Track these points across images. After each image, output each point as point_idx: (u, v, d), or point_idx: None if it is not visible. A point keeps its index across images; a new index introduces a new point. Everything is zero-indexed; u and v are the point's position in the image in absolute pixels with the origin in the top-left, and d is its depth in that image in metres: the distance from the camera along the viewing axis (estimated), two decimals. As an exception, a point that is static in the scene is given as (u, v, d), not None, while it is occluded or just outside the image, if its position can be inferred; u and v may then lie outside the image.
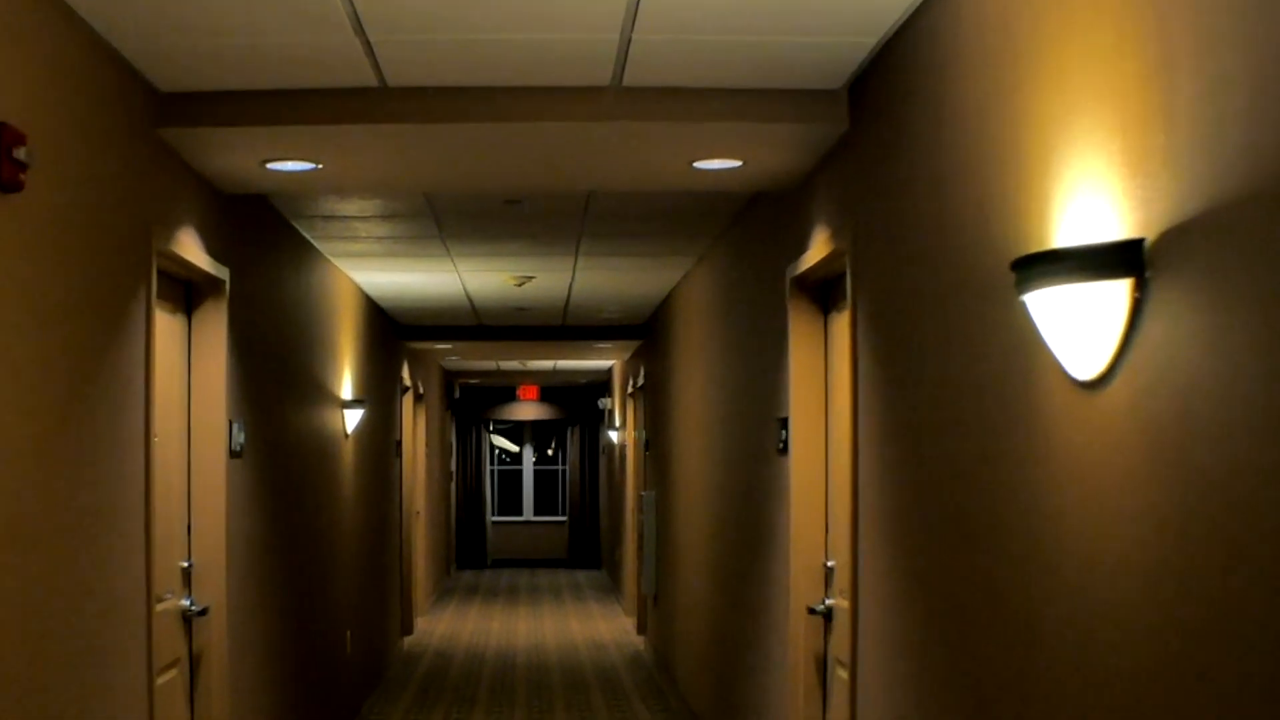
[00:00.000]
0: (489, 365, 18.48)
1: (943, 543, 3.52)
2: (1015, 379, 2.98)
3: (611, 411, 18.96)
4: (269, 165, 5.14)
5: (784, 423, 5.78)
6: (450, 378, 20.02)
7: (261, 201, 6.52)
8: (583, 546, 22.97)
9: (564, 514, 23.25)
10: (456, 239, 7.78)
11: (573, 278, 9.49)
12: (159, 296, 5.14)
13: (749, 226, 6.69)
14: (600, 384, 21.82)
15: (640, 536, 12.48)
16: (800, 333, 5.61)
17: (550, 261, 8.69)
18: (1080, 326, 2.60)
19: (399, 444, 12.97)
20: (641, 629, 13.95)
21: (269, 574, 6.65)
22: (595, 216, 7.00)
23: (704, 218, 7.06)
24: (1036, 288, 2.65)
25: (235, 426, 5.85)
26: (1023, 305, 2.91)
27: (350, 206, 6.73)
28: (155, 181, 4.74)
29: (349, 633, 9.34)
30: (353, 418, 9.19)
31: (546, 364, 18.08)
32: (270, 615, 6.68)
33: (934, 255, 3.62)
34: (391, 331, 12.30)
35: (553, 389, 22.94)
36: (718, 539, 7.79)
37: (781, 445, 5.82)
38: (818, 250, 5.13)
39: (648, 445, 12.89)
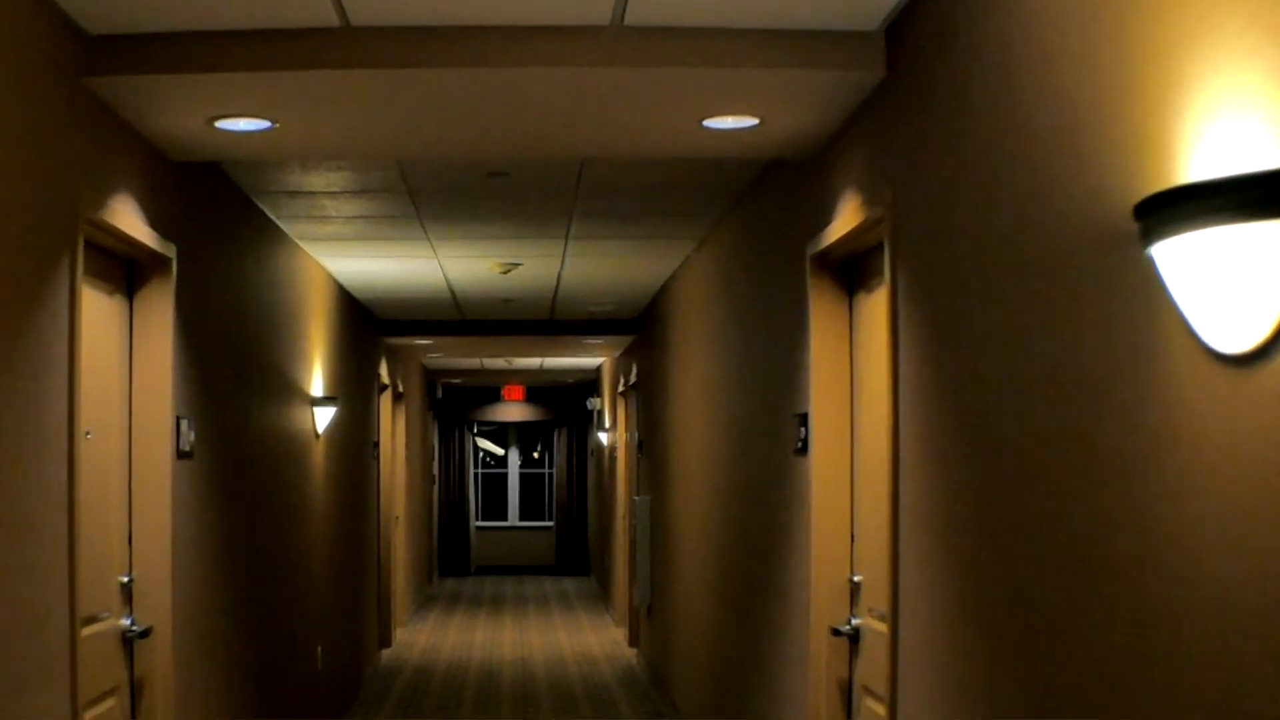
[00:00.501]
0: (473, 363, 17.92)
1: (1020, 558, 2.95)
2: (1129, 356, 2.41)
3: (601, 412, 18.48)
4: (218, 124, 4.57)
5: (803, 419, 5.22)
6: (432, 377, 19.49)
7: (216, 173, 5.94)
8: (570, 553, 22.60)
9: (551, 519, 22.91)
10: (436, 219, 7.21)
11: (562, 265, 8.92)
12: (93, 274, 4.56)
13: (761, 201, 6.13)
14: (588, 384, 21.37)
15: (632, 544, 11.92)
16: (823, 317, 5.05)
17: (538, 246, 8.12)
18: (1231, 284, 2.04)
19: (376, 445, 12.40)
20: (634, 641, 13.39)
21: (225, 588, 6.07)
22: (589, 191, 6.44)
23: (709, 193, 6.49)
24: (1170, 235, 2.09)
25: (184, 424, 5.27)
26: (1143, 263, 2.35)
27: (316, 180, 6.16)
28: (83, 139, 4.16)
29: (320, 648, 8.76)
30: (324, 416, 8.62)
31: (533, 362, 17.52)
32: (226, 634, 6.10)
33: (1004, 216, 3.06)
34: (369, 326, 11.72)
35: (539, 389, 22.51)
36: (723, 548, 7.23)
37: (800, 444, 5.26)
38: (845, 221, 4.57)
39: (641, 447, 12.33)
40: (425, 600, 18.80)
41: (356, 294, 10.49)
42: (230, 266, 6.27)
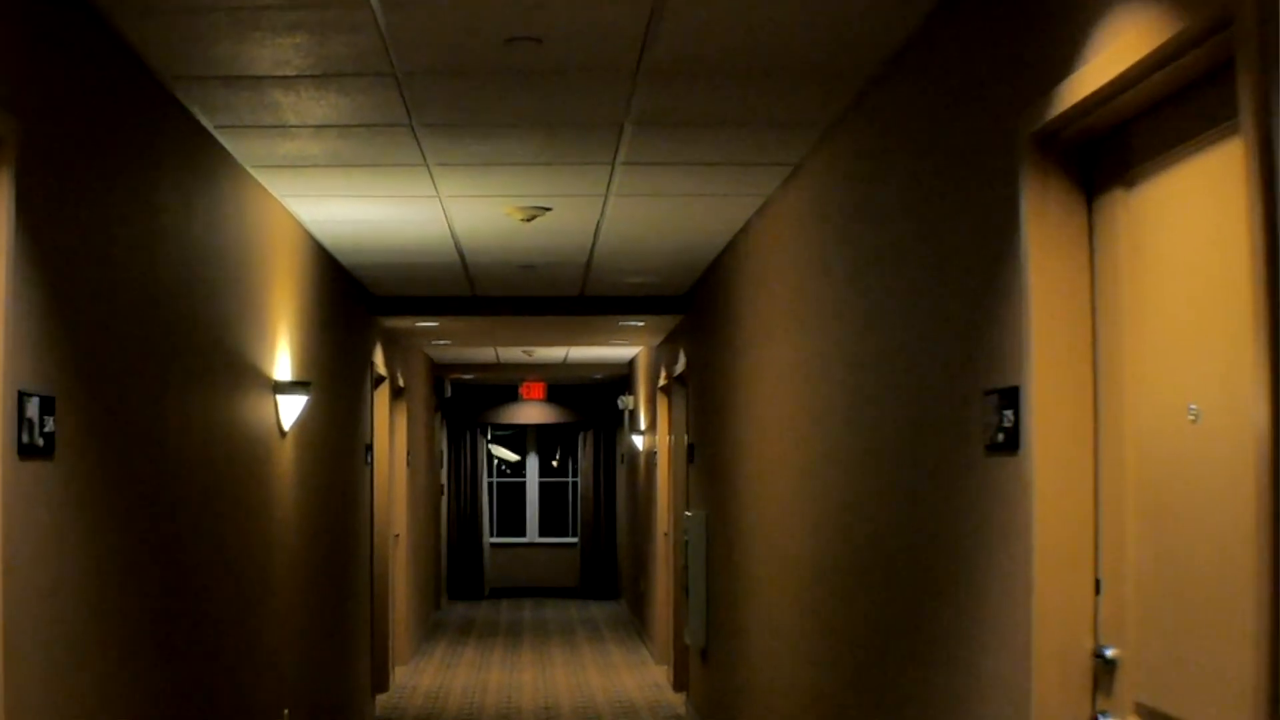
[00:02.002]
0: (486, 355, 16.23)
1: None
2: None
3: (634, 412, 16.89)
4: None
5: (1007, 399, 3.46)
6: (440, 372, 17.87)
7: (105, 35, 4.20)
8: (597, 574, 21.24)
9: (575, 535, 21.62)
10: (435, 131, 5.46)
11: (603, 211, 7.17)
12: None
13: (914, 78, 4.36)
14: (619, 380, 19.89)
15: (683, 571, 10.18)
16: (1047, 234, 3.29)
17: (573, 178, 6.38)
18: None
19: (370, 449, 10.66)
20: (680, 685, 11.64)
21: (113, 643, 4.32)
22: (654, 74, 4.68)
23: (826, 78, 4.72)
24: None
25: (32, 404, 3.53)
26: None
27: (260, 53, 4.41)
28: None
29: (287, 711, 7.02)
30: (292, 407, 6.88)
31: (556, 354, 15.81)
32: (114, 711, 4.35)
33: None
34: (359, 302, 9.99)
35: (562, 387, 21.08)
36: (836, 591, 5.46)
37: (1001, 436, 3.50)
38: (1118, 54, 2.81)
39: (691, 452, 10.57)
40: (432, 630, 17.13)
41: (341, 258, 8.75)
42: (134, 186, 4.53)
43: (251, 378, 6.29)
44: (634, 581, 17.56)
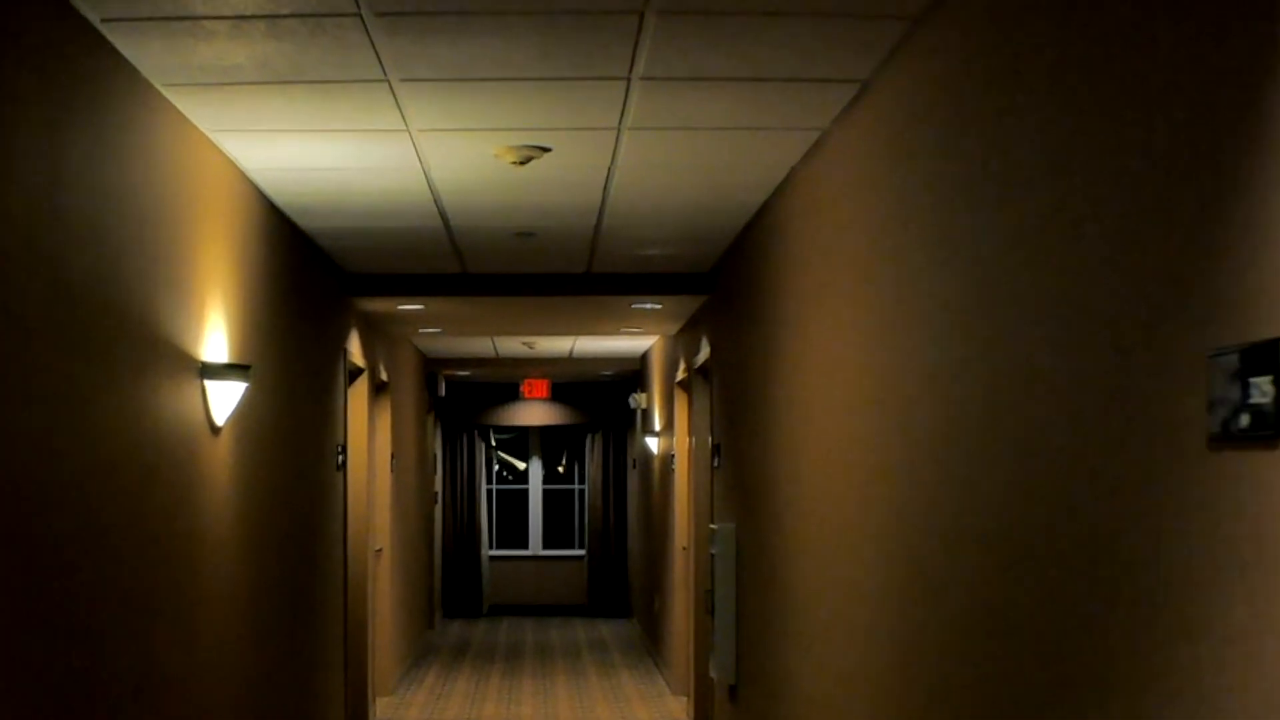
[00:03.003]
0: (482, 348, 15.08)
1: None
2: None
3: (647, 411, 15.85)
4: None
5: (1260, 358, 2.26)
6: (432, 367, 16.78)
7: None
8: (607, 590, 20.42)
9: (582, 547, 20.84)
10: (395, 23, 4.27)
11: (615, 155, 5.98)
12: None
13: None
14: (629, 378, 18.96)
15: (708, 594, 8.99)
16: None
17: (579, 106, 5.19)
18: None
19: (343, 451, 9.48)
20: (703, 723, 10.46)
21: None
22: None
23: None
24: None
25: None
26: None
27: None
28: None
29: (223, 776, 5.83)
30: (227, 397, 5.69)
31: (560, 346, 14.66)
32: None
33: None
34: (329, 279, 8.81)
35: (567, 386, 20.21)
36: (944, 636, 4.25)
37: (1247, 418, 2.29)
38: None
39: (717, 454, 9.39)
40: (424, 652, 16.00)
41: (300, 219, 7.56)
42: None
43: (165, 356, 5.10)
44: (647, 599, 16.51)
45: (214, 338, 5.73)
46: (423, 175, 6.36)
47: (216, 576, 5.78)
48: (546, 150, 5.84)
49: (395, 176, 6.41)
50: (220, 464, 5.85)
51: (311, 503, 8.25)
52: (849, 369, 5.27)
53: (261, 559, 6.68)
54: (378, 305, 10.18)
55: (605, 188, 6.68)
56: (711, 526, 8.82)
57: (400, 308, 10.33)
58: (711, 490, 9.75)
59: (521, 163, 5.87)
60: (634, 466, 19.13)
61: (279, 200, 6.94)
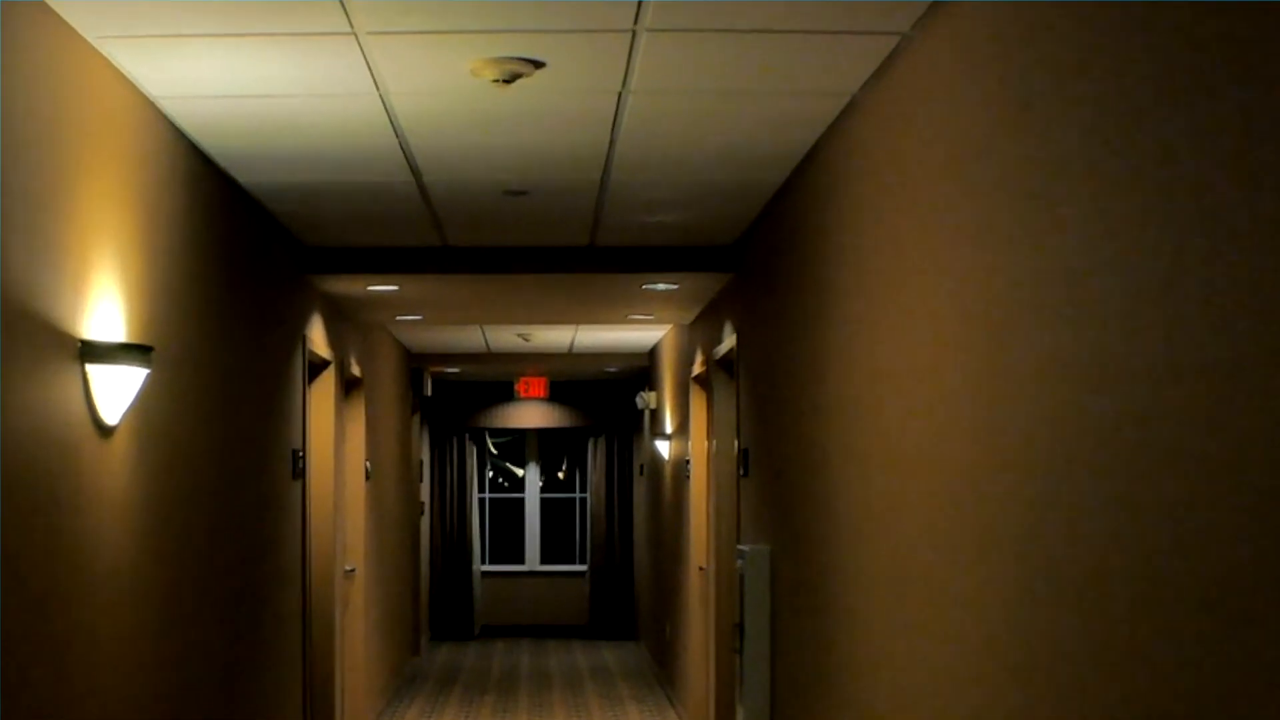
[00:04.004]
0: (472, 340, 13.96)
1: None
2: None
3: (657, 411, 14.85)
4: None
5: None
6: (416, 363, 15.74)
7: None
8: (610, 609, 19.65)
9: (583, 562, 20.22)
10: None
11: (627, 76, 4.77)
12: None
13: None
14: (636, 375, 18.07)
15: (736, 628, 7.78)
16: None
17: (583, 7, 3.99)
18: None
19: (301, 457, 8.27)
20: (726, 776, 9.26)
21: None
22: None
23: None
24: None
25: None
26: None
27: None
28: None
29: None
30: (117, 386, 4.48)
31: (560, 338, 13.55)
32: None
33: None
34: (282, 252, 7.60)
35: (567, 384, 19.43)
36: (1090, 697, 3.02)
37: None
38: None
39: (745, 461, 8.18)
40: (407, 682, 14.87)
41: (237, 173, 6.35)
42: None
43: (27, 333, 3.89)
44: (656, 621, 15.46)
45: (102, 309, 4.51)
46: (379, 102, 5.14)
47: (110, 622, 4.56)
48: (539, 65, 4.62)
49: (344, 106, 5.19)
50: (113, 474, 4.64)
51: (258, 520, 7.04)
52: (951, 353, 4.04)
53: (177, 596, 5.46)
54: (344, 286, 8.97)
55: (614, 122, 5.47)
56: (740, 548, 7.61)
57: (371, 289, 9.12)
58: (738, 503, 8.54)
59: (506, 81, 4.65)
60: (641, 473, 18.31)
61: (204, 142, 5.73)
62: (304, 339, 8.41)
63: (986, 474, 3.69)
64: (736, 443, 8.55)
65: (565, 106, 5.22)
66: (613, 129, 5.56)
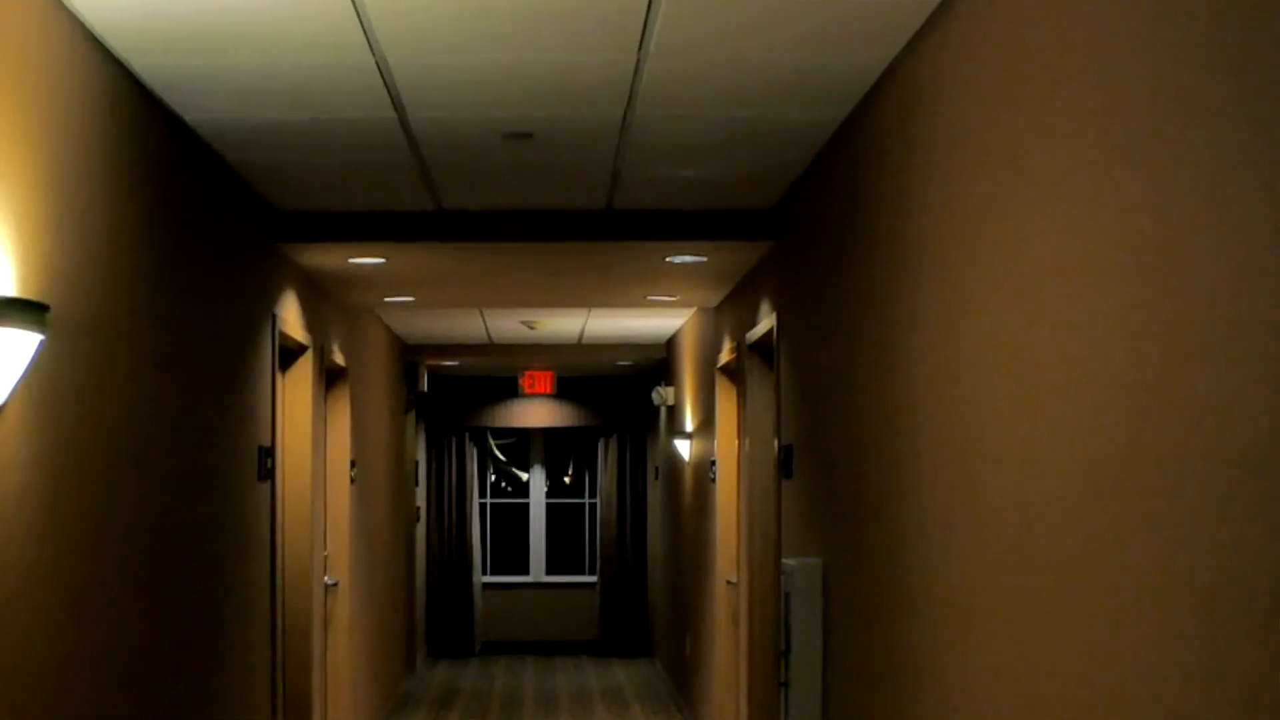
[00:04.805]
0: (471, 329, 13.18)
1: None
2: None
3: (675, 408, 14.16)
4: None
5: None
6: (411, 355, 15.14)
7: None
8: (623, 624, 19.21)
9: (592, 573, 19.87)
10: None
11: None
12: None
13: None
14: (652, 369, 17.40)
15: (781, 656, 6.85)
16: None
17: None
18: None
19: (269, 456, 7.34)
20: (762, 823, 8.33)
21: None
22: None
23: None
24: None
25: None
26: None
27: None
28: None
29: None
30: (2, 351, 3.54)
31: (569, 324, 12.78)
32: None
33: None
34: (248, 214, 6.67)
35: (576, 380, 18.94)
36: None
37: None
38: None
39: (788, 461, 7.25)
40: (400, 704, 14.15)
41: (183, 109, 5.42)
42: None
43: None
44: (674, 637, 14.77)
45: (-22, 255, 3.56)
46: (352, 11, 4.19)
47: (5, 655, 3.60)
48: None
49: (307, 16, 4.24)
50: (5, 472, 3.68)
51: (215, 527, 6.10)
52: (1103, 313, 3.07)
53: (100, 619, 4.50)
54: (322, 258, 8.03)
55: (643, 34, 4.51)
56: (785, 562, 6.66)
57: (353, 262, 8.18)
58: (778, 509, 7.60)
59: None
60: (657, 476, 17.75)
61: (134, 62, 4.77)
62: (274, 318, 7.46)
63: (1159, 474, 2.71)
64: (776, 440, 7.62)
65: (581, 10, 4.26)
66: (640, 44, 4.61)
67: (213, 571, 6.12)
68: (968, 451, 4.10)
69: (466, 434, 19.06)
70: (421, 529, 18.00)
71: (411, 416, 16.09)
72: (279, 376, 7.89)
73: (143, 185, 5.02)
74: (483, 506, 19.76)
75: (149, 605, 5.08)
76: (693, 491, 12.70)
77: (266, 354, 7.31)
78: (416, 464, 17.15)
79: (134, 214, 4.91)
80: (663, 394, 14.48)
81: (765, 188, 6.95)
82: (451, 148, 6.06)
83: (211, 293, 6.13)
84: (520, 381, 18.31)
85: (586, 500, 20.09)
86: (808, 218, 6.67)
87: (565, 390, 18.98)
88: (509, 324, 12.70)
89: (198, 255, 5.87)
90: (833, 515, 6.14)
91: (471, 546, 19.04)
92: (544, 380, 18.12)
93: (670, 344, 14.48)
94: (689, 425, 12.84)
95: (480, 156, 6.21)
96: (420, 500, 17.87)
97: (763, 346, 8.36)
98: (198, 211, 5.87)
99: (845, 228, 5.80)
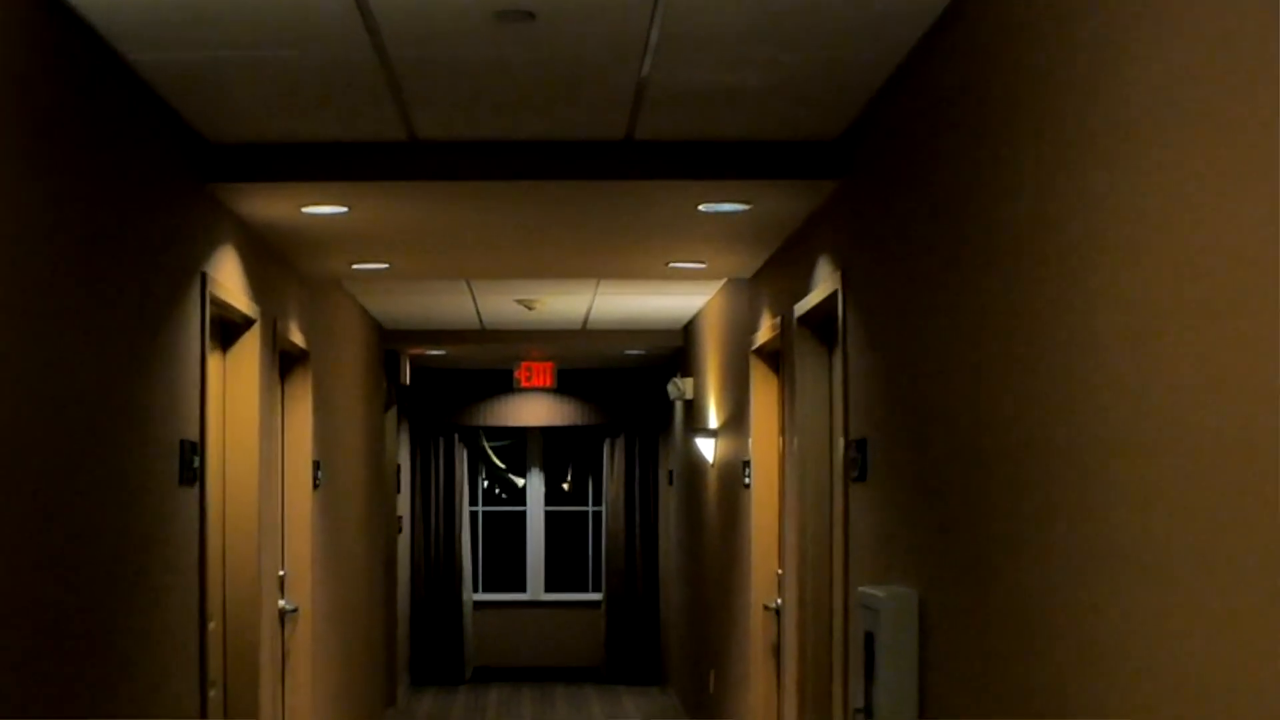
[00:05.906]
0: (459, 310, 12.27)
1: None
2: None
3: (694, 402, 13.46)
4: None
5: None
6: (391, 343, 14.66)
7: None
8: (631, 648, 18.97)
9: (597, 590, 19.67)
10: None
11: None
12: None
13: None
14: (666, 360, 16.82)
15: (859, 711, 5.63)
16: None
17: None
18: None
19: (197, 454, 6.07)
20: None
21: None
22: None
23: None
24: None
25: None
26: None
27: None
28: None
29: None
30: None
31: (573, 303, 11.90)
32: None
33: None
34: (166, 142, 5.42)
35: (579, 373, 18.49)
36: None
37: None
38: None
39: (863, 462, 6.03)
40: (376, 747, 13.09)
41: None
42: None
43: None
44: (693, 666, 14.03)
45: None
46: None
47: None
48: None
49: None
50: None
51: (107, 546, 4.82)
52: None
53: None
54: (268, 205, 6.76)
55: None
56: (867, 592, 5.40)
57: (308, 211, 6.91)
58: (845, 521, 6.36)
59: None
60: (671, 481, 17.33)
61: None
62: (203, 278, 6.19)
63: None
64: (844, 434, 6.39)
65: None
66: None
67: (107, 600, 4.83)
68: (1154, 447, 2.86)
69: (455, 434, 18.85)
70: (405, 541, 17.64)
71: (392, 414, 15.58)
72: (211, 354, 6.61)
73: (11, 102, 3.72)
74: (474, 515, 19.65)
75: (15, 648, 3.78)
76: (718, 498, 11.81)
77: (194, 323, 6.03)
78: (399, 468, 16.73)
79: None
80: (680, 386, 13.80)
81: (829, 108, 5.72)
82: (427, 40, 4.77)
83: (117, 245, 4.88)
84: (516, 374, 17.81)
85: (590, 508, 19.95)
86: (889, 148, 5.47)
87: (567, 384, 18.62)
88: (503, 304, 11.74)
89: (98, 197, 4.67)
90: (933, 530, 4.97)
91: (461, 560, 18.92)
92: (543, 372, 17.61)
93: (689, 329, 13.78)
94: (713, 422, 12.06)
95: (463, 52, 4.93)
96: (403, 509, 17.43)
97: (818, 319, 7.16)
98: (100, 140, 4.63)
99: (948, 158, 4.58)
